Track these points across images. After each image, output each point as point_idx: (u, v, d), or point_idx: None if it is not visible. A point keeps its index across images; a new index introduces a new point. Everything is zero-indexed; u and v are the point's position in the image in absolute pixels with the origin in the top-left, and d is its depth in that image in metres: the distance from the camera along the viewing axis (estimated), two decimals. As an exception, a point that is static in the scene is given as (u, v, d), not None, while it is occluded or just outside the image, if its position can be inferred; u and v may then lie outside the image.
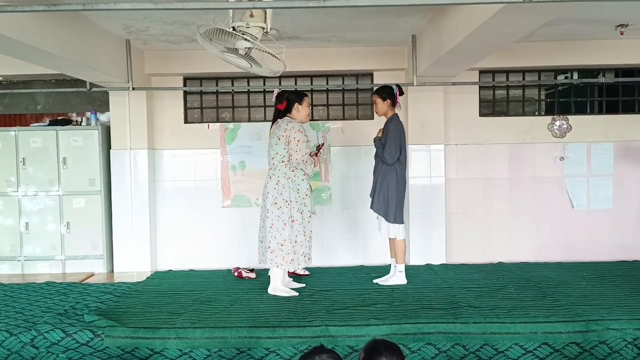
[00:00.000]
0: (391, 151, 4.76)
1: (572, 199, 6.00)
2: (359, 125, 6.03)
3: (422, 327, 3.73)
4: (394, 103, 4.88)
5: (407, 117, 5.80)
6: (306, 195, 4.69)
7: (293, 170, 4.63)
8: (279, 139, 4.59)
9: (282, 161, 4.60)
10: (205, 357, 3.67)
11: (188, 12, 4.22)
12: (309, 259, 4.70)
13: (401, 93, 4.91)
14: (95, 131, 5.87)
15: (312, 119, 6.01)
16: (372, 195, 4.96)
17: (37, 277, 5.58)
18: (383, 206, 4.83)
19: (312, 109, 5.59)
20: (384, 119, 4.93)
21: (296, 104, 4.67)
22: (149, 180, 5.89)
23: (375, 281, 5.01)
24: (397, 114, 4.93)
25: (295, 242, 4.59)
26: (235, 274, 5.40)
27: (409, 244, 5.86)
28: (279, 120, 4.72)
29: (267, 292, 4.69)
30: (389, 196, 4.81)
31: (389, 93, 4.87)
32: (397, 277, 4.94)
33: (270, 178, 4.63)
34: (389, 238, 4.96)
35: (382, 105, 4.89)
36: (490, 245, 5.87)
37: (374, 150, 6.02)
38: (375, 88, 5.04)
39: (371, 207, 4.97)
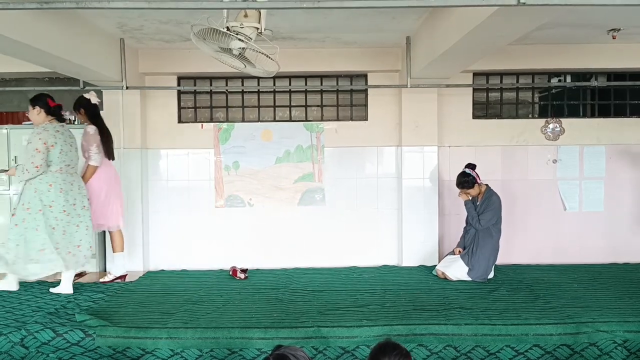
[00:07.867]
0: (487, 217, 5.10)
1: (565, 202, 6.03)
2: (353, 126, 6.03)
3: (413, 328, 3.74)
4: (478, 182, 5.18)
5: (401, 118, 5.81)
6: None
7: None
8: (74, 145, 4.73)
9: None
10: (197, 357, 3.67)
11: (182, 11, 4.21)
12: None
13: (474, 167, 5.23)
14: (88, 130, 5.83)
15: (306, 120, 6.07)
16: (466, 250, 5.19)
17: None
18: (476, 267, 5.06)
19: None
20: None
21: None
22: (142, 179, 5.86)
23: None
24: (487, 185, 5.24)
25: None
26: (231, 272, 5.41)
27: (402, 245, 5.87)
28: (64, 124, 4.74)
29: (255, 292, 4.70)
30: (485, 260, 5.07)
31: (471, 181, 5.14)
32: None
33: (76, 181, 4.68)
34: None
35: (473, 190, 5.19)
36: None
37: (368, 150, 6.07)
38: (456, 183, 5.23)
39: (463, 260, 5.16)
